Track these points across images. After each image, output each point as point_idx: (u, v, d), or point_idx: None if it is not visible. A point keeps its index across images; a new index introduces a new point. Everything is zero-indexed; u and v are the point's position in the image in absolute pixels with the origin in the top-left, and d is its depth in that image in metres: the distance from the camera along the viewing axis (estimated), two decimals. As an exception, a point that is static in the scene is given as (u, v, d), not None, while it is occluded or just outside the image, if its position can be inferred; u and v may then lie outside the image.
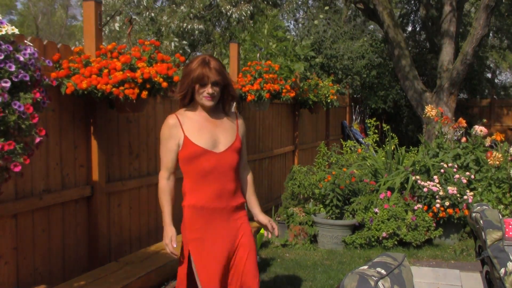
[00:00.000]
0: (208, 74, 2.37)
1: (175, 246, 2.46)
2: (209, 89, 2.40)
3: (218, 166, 2.42)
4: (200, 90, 2.41)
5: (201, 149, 2.40)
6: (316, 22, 11.74)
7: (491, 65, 18.63)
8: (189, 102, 2.49)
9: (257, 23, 7.41)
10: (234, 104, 3.06)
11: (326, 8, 12.57)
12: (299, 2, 13.37)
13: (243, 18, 10.51)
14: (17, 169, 2.11)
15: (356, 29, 13.75)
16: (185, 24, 10.00)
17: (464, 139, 6.45)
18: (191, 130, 2.43)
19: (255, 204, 2.70)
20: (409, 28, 15.09)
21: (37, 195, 3.10)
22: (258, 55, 6.59)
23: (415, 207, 5.57)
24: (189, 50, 10.67)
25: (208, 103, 2.43)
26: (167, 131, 2.44)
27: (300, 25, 13.34)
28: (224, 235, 2.48)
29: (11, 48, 2.08)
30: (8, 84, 2.03)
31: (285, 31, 7.66)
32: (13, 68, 2.06)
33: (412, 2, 14.68)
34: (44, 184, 3.18)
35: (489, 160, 5.87)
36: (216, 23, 11.63)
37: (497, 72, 23.66)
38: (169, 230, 2.48)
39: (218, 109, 2.54)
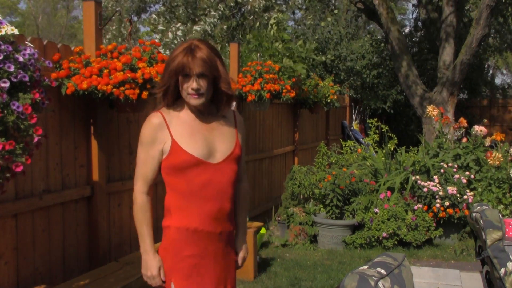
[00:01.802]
0: (190, 64, 1.84)
1: (164, 280, 1.97)
2: (193, 84, 1.86)
3: (214, 181, 1.92)
4: (184, 85, 1.89)
5: (194, 159, 1.90)
6: (323, 24, 11.81)
7: (489, 69, 18.66)
8: (174, 100, 1.98)
9: (261, 24, 7.44)
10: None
11: (336, 11, 12.64)
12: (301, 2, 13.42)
13: (256, 10, 10.55)
14: (19, 169, 2.12)
15: (358, 29, 13.79)
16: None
17: (464, 139, 6.46)
18: (180, 133, 1.93)
19: (242, 224, 2.16)
20: (410, 29, 15.11)
21: (37, 195, 3.10)
22: (258, 55, 6.60)
23: (415, 207, 5.57)
24: None
25: (194, 101, 1.89)
26: (150, 132, 1.92)
27: (300, 26, 13.39)
28: (218, 270, 2.01)
29: (10, 49, 2.08)
30: (7, 85, 2.03)
31: (290, 34, 7.68)
32: (12, 69, 2.06)
33: (414, 2, 14.71)
34: (44, 184, 3.18)
35: (489, 160, 5.88)
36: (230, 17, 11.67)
37: (496, 73, 23.69)
38: (153, 259, 1.97)
39: (212, 109, 2.02)
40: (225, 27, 10.72)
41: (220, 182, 1.94)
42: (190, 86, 1.88)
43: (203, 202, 1.92)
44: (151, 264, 1.97)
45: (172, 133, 1.93)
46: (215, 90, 1.96)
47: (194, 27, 10.06)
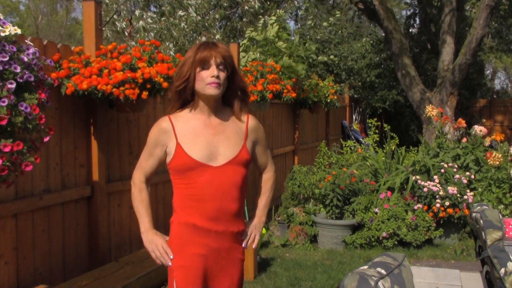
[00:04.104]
0: (212, 53, 1.94)
1: (172, 257, 2.02)
2: (214, 71, 1.93)
3: (214, 182, 1.98)
4: (203, 75, 1.95)
5: (193, 162, 1.96)
6: (325, 24, 11.84)
7: (489, 69, 18.70)
8: (184, 103, 2.05)
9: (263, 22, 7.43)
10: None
11: (337, 13, 12.66)
12: (301, 3, 13.47)
13: (251, 12, 10.55)
14: (29, 168, 2.14)
15: (360, 29, 13.80)
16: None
17: (464, 139, 6.46)
18: (185, 136, 2.00)
19: (261, 204, 2.25)
20: (410, 28, 15.11)
21: (37, 195, 3.10)
22: (258, 55, 6.60)
23: (415, 207, 5.57)
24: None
25: (214, 90, 1.94)
26: (156, 135, 2.03)
27: (299, 25, 13.43)
28: (220, 267, 2.05)
29: (14, 49, 2.08)
30: (14, 86, 2.04)
31: (289, 34, 7.68)
32: (19, 69, 2.06)
33: (414, 2, 14.70)
34: (44, 184, 3.18)
35: (489, 160, 5.88)
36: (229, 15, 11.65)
37: (496, 74, 23.71)
38: (155, 234, 2.04)
39: (223, 111, 2.08)
40: (217, 16, 10.66)
41: (221, 184, 1.99)
42: (211, 73, 1.94)
43: (203, 202, 1.98)
44: (154, 238, 2.03)
45: (177, 136, 2.00)
46: (230, 89, 2.04)
47: (176, 18, 9.87)
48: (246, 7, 10.55)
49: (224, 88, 2.00)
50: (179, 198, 2.02)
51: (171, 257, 2.01)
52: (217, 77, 1.94)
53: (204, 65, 1.94)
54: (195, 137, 2.00)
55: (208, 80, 1.94)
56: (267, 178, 2.27)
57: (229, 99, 2.08)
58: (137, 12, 9.93)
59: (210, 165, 1.98)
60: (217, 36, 10.27)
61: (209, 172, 1.98)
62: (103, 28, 3.59)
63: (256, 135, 2.14)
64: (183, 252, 2.00)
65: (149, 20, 9.78)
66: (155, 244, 2.03)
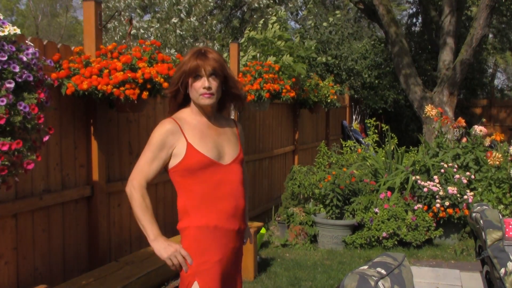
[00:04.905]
0: (203, 63, 1.97)
1: (191, 263, 1.97)
2: (205, 82, 1.98)
3: (226, 180, 2.03)
4: (195, 86, 1.99)
5: (208, 160, 1.99)
6: (325, 24, 11.85)
7: (489, 69, 18.69)
8: (181, 104, 2.10)
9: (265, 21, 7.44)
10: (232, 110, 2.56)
11: (338, 12, 12.66)
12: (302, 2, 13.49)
13: (261, 6, 10.59)
14: (31, 166, 2.14)
15: (361, 29, 13.81)
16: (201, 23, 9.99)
17: (464, 139, 6.46)
18: (193, 136, 2.02)
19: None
20: (412, 27, 15.11)
21: (37, 195, 3.10)
22: (258, 55, 6.60)
23: (415, 207, 5.57)
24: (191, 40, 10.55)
25: (207, 101, 2.00)
26: (163, 137, 1.99)
27: (301, 25, 13.44)
28: (235, 266, 2.13)
29: (13, 49, 2.09)
30: (12, 85, 2.04)
31: (290, 33, 7.68)
32: (17, 69, 2.06)
33: (415, 2, 14.70)
34: (44, 184, 3.18)
35: (489, 160, 5.87)
36: (233, 13, 11.69)
37: (496, 74, 23.69)
38: (167, 240, 1.97)
39: (219, 115, 2.17)
40: (214, 22, 10.66)
41: (232, 181, 2.05)
42: (202, 85, 1.99)
43: (219, 200, 2.01)
44: (170, 244, 1.96)
45: (187, 137, 2.01)
46: (224, 93, 2.10)
47: (170, 23, 9.81)
48: (256, 4, 10.58)
49: (219, 95, 2.06)
50: (193, 200, 2.00)
51: (191, 263, 1.96)
52: (209, 88, 1.99)
53: (196, 75, 1.99)
54: (203, 137, 2.04)
55: (200, 91, 1.99)
56: (245, 178, 2.27)
57: (224, 104, 2.15)
58: (135, 21, 9.93)
59: (220, 163, 2.04)
60: (216, 46, 10.27)
61: (222, 170, 2.03)
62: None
63: (242, 137, 2.26)
64: (205, 256, 1.97)
65: (145, 25, 9.80)
66: (172, 250, 1.94)
